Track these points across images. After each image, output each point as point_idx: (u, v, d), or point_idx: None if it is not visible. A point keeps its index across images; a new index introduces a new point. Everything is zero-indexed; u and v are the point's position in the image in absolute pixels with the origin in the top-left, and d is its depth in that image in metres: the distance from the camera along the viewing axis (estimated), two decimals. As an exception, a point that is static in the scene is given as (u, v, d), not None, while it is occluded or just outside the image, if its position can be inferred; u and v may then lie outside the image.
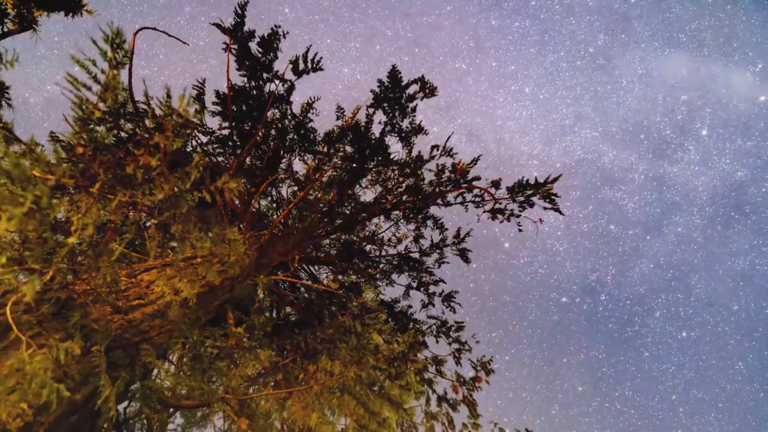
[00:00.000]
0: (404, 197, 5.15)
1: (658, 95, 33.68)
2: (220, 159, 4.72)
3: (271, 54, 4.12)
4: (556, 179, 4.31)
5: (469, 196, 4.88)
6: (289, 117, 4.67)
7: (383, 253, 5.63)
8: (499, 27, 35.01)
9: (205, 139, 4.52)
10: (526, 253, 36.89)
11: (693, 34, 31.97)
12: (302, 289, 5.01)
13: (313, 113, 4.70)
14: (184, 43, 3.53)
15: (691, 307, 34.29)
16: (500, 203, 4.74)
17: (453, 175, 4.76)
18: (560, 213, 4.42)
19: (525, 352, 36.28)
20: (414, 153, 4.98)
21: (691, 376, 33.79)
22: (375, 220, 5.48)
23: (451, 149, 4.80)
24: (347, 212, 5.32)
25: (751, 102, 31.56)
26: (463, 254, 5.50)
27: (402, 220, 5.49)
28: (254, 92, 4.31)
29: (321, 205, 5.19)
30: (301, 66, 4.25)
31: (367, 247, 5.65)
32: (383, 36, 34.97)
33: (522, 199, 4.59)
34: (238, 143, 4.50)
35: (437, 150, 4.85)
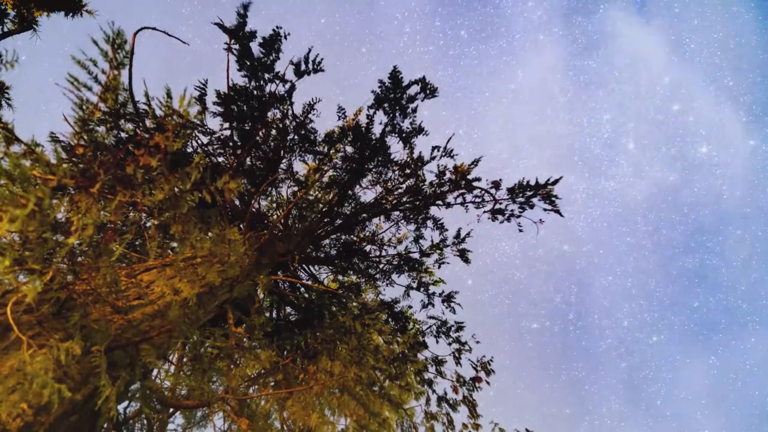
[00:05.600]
0: (405, 198, 5.15)
1: (582, 118, 35.98)
2: (220, 159, 4.72)
3: (273, 54, 4.12)
4: (556, 181, 4.31)
5: (469, 197, 4.88)
6: (290, 117, 4.67)
7: (383, 253, 5.62)
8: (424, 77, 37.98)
9: (205, 140, 4.52)
10: (489, 286, 37.79)
11: (602, 59, 34.66)
12: (302, 289, 5.01)
13: (313, 114, 4.70)
14: (184, 43, 3.53)
15: (655, 311, 35.19)
16: (500, 204, 4.74)
17: (454, 176, 4.76)
18: (560, 215, 4.42)
19: (507, 383, 36.60)
20: (415, 154, 4.98)
21: (670, 378, 34.25)
22: (375, 220, 5.48)
23: (452, 150, 4.80)
24: (347, 212, 5.32)
25: (666, 112, 33.87)
26: (463, 255, 5.49)
27: (402, 221, 5.49)
28: (255, 92, 4.31)
29: (321, 205, 5.19)
30: (303, 67, 4.25)
31: (367, 247, 5.65)
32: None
33: (522, 200, 4.59)
34: (239, 143, 4.50)
35: (438, 151, 4.85)
